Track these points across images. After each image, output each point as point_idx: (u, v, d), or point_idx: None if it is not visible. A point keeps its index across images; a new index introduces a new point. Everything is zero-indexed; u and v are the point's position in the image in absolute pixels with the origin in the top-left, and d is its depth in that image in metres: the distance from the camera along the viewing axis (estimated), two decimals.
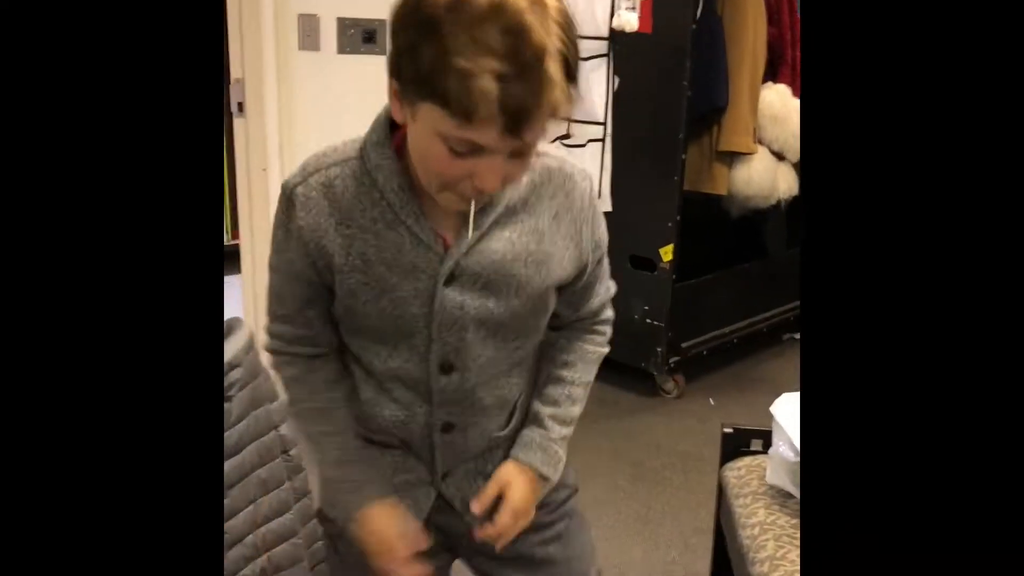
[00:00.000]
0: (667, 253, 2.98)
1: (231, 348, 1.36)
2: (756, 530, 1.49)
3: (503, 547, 1.05)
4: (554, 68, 0.76)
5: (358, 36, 2.80)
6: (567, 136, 2.81)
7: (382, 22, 2.75)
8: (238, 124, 2.81)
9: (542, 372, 1.10)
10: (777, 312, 3.57)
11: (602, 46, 2.73)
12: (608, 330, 1.13)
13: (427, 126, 0.81)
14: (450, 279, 0.94)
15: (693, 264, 3.13)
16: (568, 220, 0.98)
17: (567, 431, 1.08)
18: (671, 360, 3.13)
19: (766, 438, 1.75)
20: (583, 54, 2.99)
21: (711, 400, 3.16)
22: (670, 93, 2.88)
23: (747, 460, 1.73)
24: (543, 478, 1.06)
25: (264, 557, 1.44)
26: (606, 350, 1.13)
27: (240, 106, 2.77)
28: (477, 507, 1.03)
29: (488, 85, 0.74)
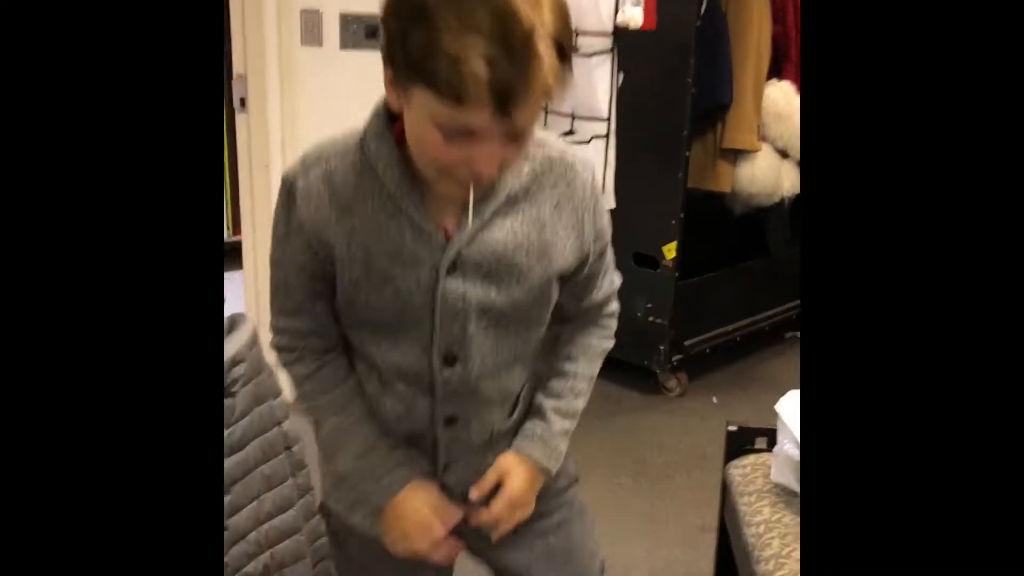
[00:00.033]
0: (670, 251, 2.97)
1: (234, 344, 1.35)
2: (761, 528, 1.49)
3: (499, 536, 1.05)
4: (544, 48, 0.76)
5: (361, 32, 2.79)
6: (571, 132, 2.81)
7: None
8: (240, 120, 2.81)
9: (546, 365, 1.09)
10: (780, 310, 3.56)
11: (606, 42, 2.73)
12: (613, 323, 1.13)
13: (421, 112, 0.81)
14: (452, 269, 0.93)
15: (696, 262, 3.12)
16: (569, 209, 0.97)
17: (569, 424, 1.08)
18: (674, 358, 3.12)
19: (770, 436, 1.75)
20: (587, 50, 3.01)
21: (714, 398, 3.15)
22: (674, 90, 2.87)
23: (752, 458, 1.72)
24: (543, 470, 1.06)
25: (267, 554, 1.44)
26: (611, 343, 1.13)
27: (242, 102, 2.76)
28: (475, 493, 1.03)
29: (478, 67, 0.74)
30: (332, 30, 2.78)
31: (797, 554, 1.40)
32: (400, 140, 0.91)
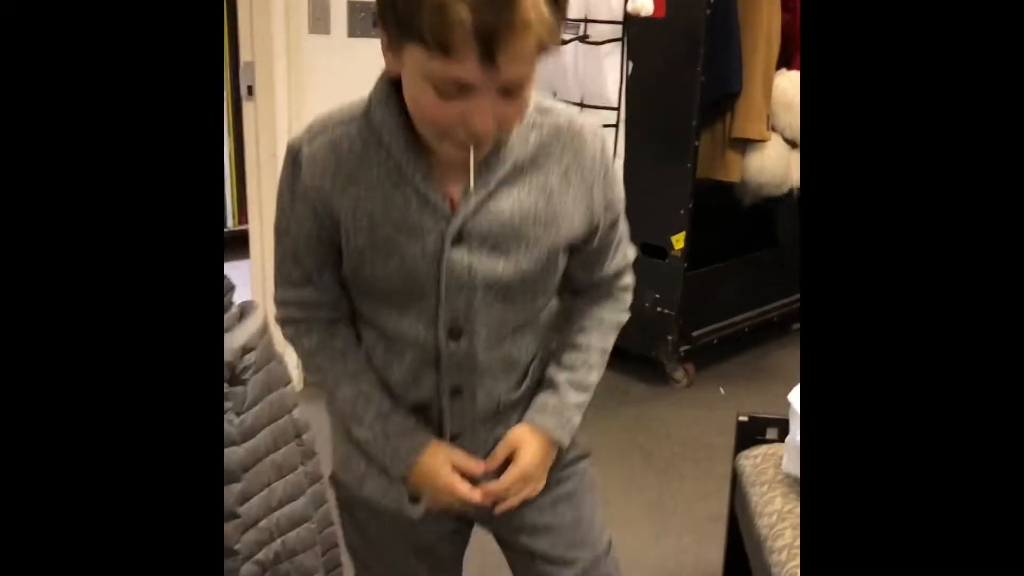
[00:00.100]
0: (679, 241, 2.96)
1: (246, 331, 1.35)
2: (774, 518, 1.48)
3: (504, 509, 1.04)
4: None
5: (369, 20, 2.78)
6: None
7: None
8: (247, 108, 2.79)
9: (559, 338, 1.08)
10: (788, 301, 3.55)
11: (616, 30, 2.71)
12: (627, 297, 1.12)
13: (413, 70, 0.81)
14: (458, 240, 0.92)
15: (704, 252, 3.11)
16: (578, 178, 0.96)
17: (583, 398, 1.07)
18: (681, 349, 3.11)
19: (782, 427, 1.74)
20: (597, 38, 3.00)
21: (721, 389, 3.14)
22: (683, 79, 2.85)
23: (763, 448, 1.72)
24: (555, 443, 1.05)
25: (278, 541, 1.43)
26: (625, 316, 1.12)
27: (250, 89, 2.75)
28: (487, 466, 1.03)
29: (461, 13, 0.74)
30: (340, 18, 2.76)
31: None
32: (406, 108, 0.90)
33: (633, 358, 3.06)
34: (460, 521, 1.13)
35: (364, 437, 1.04)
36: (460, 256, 0.93)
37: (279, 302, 1.04)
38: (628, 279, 1.11)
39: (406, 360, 1.00)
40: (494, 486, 1.02)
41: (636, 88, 2.78)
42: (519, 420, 1.05)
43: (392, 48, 0.83)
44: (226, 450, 1.31)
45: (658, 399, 3.06)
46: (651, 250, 3.01)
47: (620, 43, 2.72)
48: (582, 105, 2.80)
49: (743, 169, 3.16)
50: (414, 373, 1.01)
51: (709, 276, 3.20)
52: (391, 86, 0.91)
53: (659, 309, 3.06)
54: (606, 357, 1.10)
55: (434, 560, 1.15)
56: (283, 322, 1.05)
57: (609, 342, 1.10)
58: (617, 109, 2.73)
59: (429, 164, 0.91)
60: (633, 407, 2.97)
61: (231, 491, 1.33)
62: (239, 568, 1.35)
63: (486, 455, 1.05)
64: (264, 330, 1.42)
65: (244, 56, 2.75)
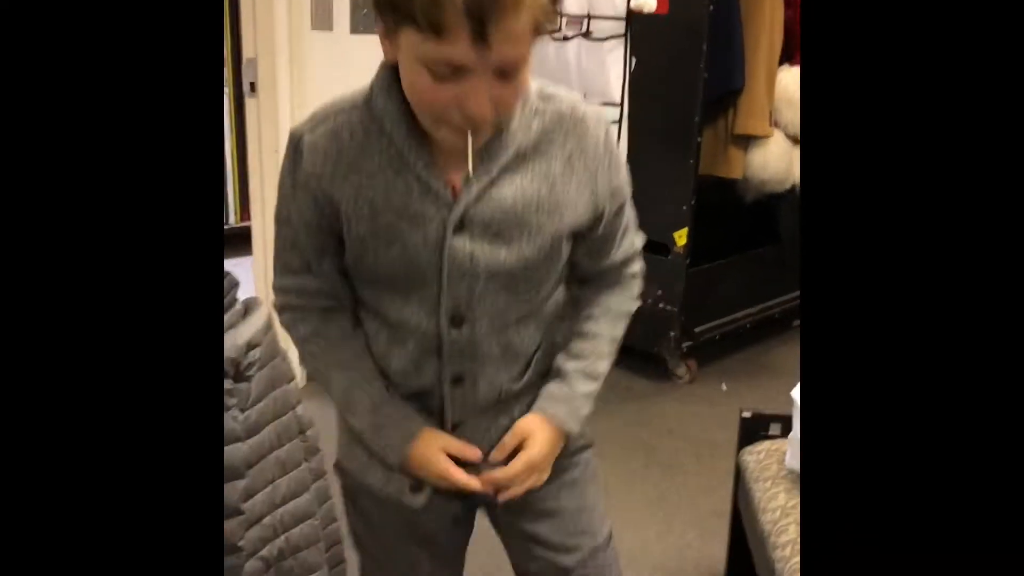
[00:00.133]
0: (681, 237, 2.96)
1: (250, 328, 1.35)
2: (777, 514, 1.48)
3: (507, 498, 1.04)
4: None
5: (371, 16, 2.78)
6: None
7: None
8: (250, 104, 2.79)
9: (568, 328, 1.08)
10: (790, 298, 3.55)
11: (619, 27, 2.71)
12: (636, 285, 1.11)
13: (408, 54, 0.81)
14: (460, 227, 0.92)
15: (707, 249, 3.11)
16: (582, 165, 0.95)
17: (592, 387, 1.06)
18: (684, 345, 3.11)
19: (785, 422, 1.74)
20: (600, 35, 2.99)
21: (723, 385, 3.14)
22: (686, 75, 2.85)
23: (766, 444, 1.72)
24: (565, 433, 1.05)
25: (282, 538, 1.44)
26: (634, 305, 1.11)
27: (252, 86, 2.75)
28: (495, 455, 1.02)
29: None
30: (342, 14, 2.76)
31: None
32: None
33: (635, 354, 3.06)
34: (461, 510, 1.13)
35: (358, 427, 1.04)
36: (462, 244, 0.93)
37: (277, 289, 1.05)
38: (636, 267, 1.11)
39: (408, 348, 1.00)
40: (500, 474, 1.02)
41: (639, 84, 2.78)
42: (522, 411, 1.05)
43: (388, 35, 0.83)
44: (230, 446, 1.31)
45: (660, 395, 3.06)
46: (653, 246, 3.01)
47: (623, 39, 2.72)
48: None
49: (745, 165, 3.16)
50: (416, 361, 1.00)
51: (711, 272, 3.20)
52: (392, 74, 0.90)
53: (661, 305, 3.06)
54: (616, 346, 1.09)
55: (436, 549, 1.15)
56: (280, 309, 1.06)
57: (618, 330, 1.09)
58: (620, 105, 2.73)
59: (431, 152, 0.91)
60: (635, 403, 2.97)
61: (235, 487, 1.33)
62: (243, 564, 1.35)
63: (488, 447, 1.05)
64: (268, 327, 1.42)
65: (247, 52, 2.75)
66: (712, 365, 3.27)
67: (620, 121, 2.72)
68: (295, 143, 0.95)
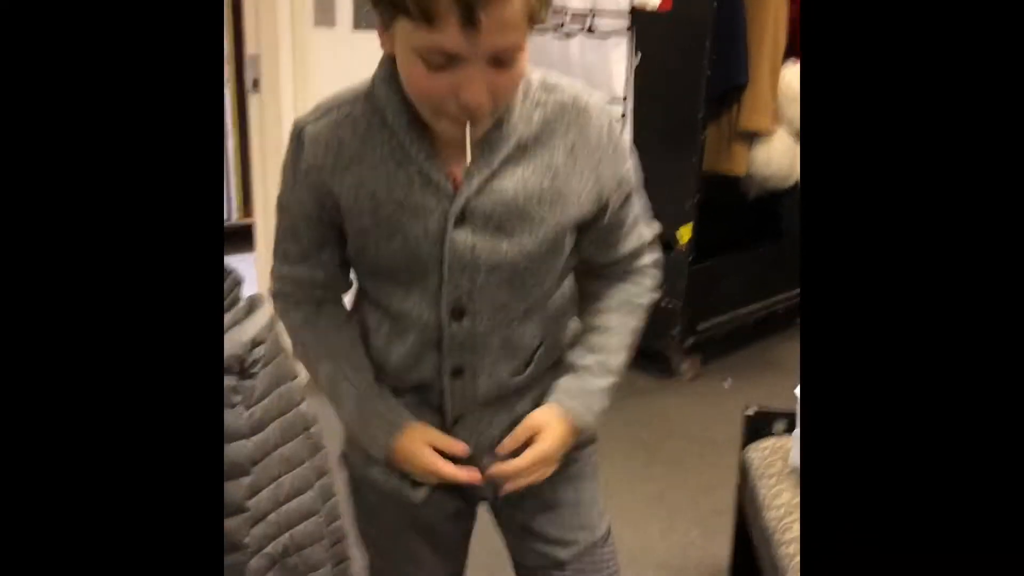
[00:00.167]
0: (685, 234, 2.96)
1: (255, 325, 1.35)
2: (782, 511, 1.48)
3: (511, 489, 1.02)
4: None
5: (373, 12, 2.77)
6: None
7: None
8: (253, 100, 2.79)
9: (583, 323, 1.07)
10: (793, 295, 3.54)
11: (623, 23, 2.70)
12: (650, 276, 1.10)
13: (403, 45, 0.81)
14: (461, 220, 0.92)
15: (710, 245, 3.11)
16: (585, 155, 0.94)
17: (608, 381, 1.05)
18: (687, 341, 3.11)
19: (789, 420, 1.74)
20: (604, 31, 3.00)
21: (726, 382, 3.14)
22: (690, 71, 2.84)
23: (770, 441, 1.71)
24: (579, 427, 1.03)
25: (287, 535, 1.44)
26: (650, 297, 1.09)
27: (255, 82, 2.75)
28: (505, 447, 1.01)
29: None
30: (345, 10, 2.76)
31: None
32: None
33: (638, 351, 3.05)
34: (462, 504, 1.13)
35: (343, 418, 1.05)
36: (463, 236, 0.92)
37: (274, 276, 1.05)
38: (649, 258, 1.09)
39: (408, 340, 1.00)
40: (510, 466, 1.01)
41: (642, 81, 2.78)
42: (524, 407, 1.05)
43: (385, 27, 0.84)
44: (235, 444, 1.31)
45: (663, 392, 3.06)
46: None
47: (627, 35, 2.71)
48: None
49: (749, 162, 3.15)
50: (416, 353, 1.00)
51: (715, 269, 3.19)
52: (394, 66, 0.90)
53: (664, 302, 3.05)
54: (632, 339, 1.07)
55: (437, 541, 1.15)
56: (275, 296, 1.06)
57: (633, 323, 1.08)
58: (623, 102, 2.72)
59: (432, 144, 0.91)
60: (638, 400, 2.97)
61: (240, 484, 1.33)
62: (248, 561, 1.35)
63: (489, 441, 1.04)
64: (272, 324, 1.42)
65: (249, 49, 2.75)
66: (715, 362, 3.27)
67: (624, 117, 2.72)
68: (297, 134, 0.95)
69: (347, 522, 1.31)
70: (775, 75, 3.06)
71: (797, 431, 1.57)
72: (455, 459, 1.02)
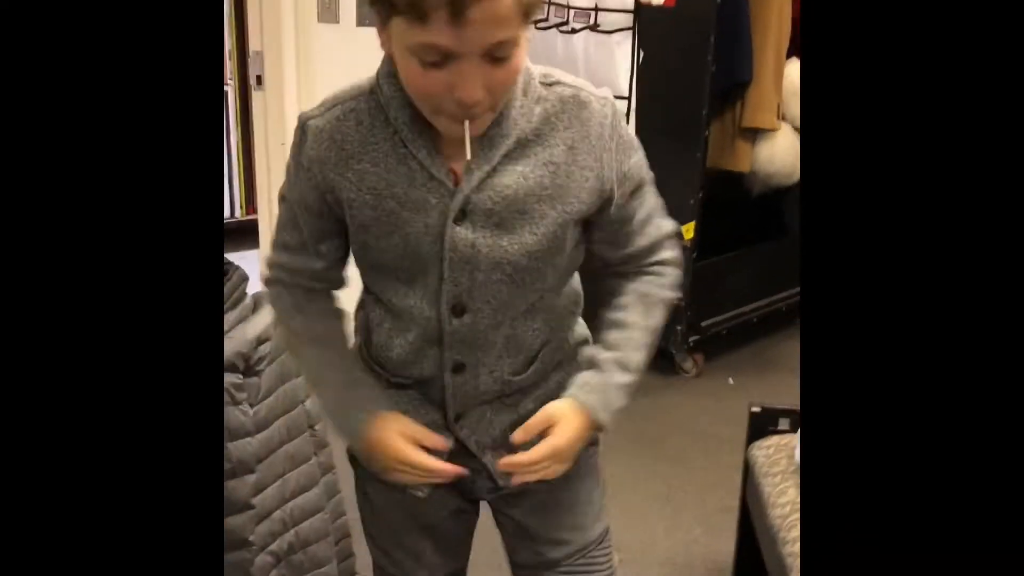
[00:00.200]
0: (688, 231, 2.95)
1: (260, 322, 1.35)
2: (787, 509, 1.48)
3: (520, 482, 0.99)
4: None
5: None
6: None
7: None
8: (256, 97, 2.79)
9: (601, 320, 1.05)
10: (796, 292, 3.53)
11: (627, 19, 2.70)
12: (668, 272, 1.07)
13: (399, 44, 0.82)
14: (461, 216, 0.92)
15: (714, 242, 3.10)
16: (585, 150, 0.94)
17: (627, 378, 1.02)
18: (691, 339, 3.10)
19: (794, 417, 1.74)
20: (608, 27, 2.98)
21: (730, 379, 3.14)
22: (694, 68, 2.83)
23: (775, 439, 1.71)
24: (595, 424, 1.01)
25: (292, 532, 1.44)
26: (669, 293, 1.06)
27: (259, 79, 2.75)
28: (520, 436, 0.98)
29: None
30: (349, 7, 2.75)
31: None
32: None
33: None
34: (462, 501, 1.13)
35: (324, 406, 1.05)
36: (463, 232, 0.92)
37: (270, 263, 1.05)
38: (666, 253, 1.06)
39: (410, 336, 1.00)
40: (522, 459, 0.97)
41: (646, 77, 2.77)
42: (527, 406, 1.04)
43: (383, 27, 0.84)
44: (240, 441, 1.31)
45: (667, 389, 3.06)
46: None
47: (631, 32, 2.71)
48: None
49: (753, 159, 3.15)
50: (417, 348, 1.00)
51: (718, 266, 3.19)
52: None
53: None
54: (653, 336, 1.05)
55: (439, 537, 1.15)
56: (268, 282, 1.06)
57: (652, 319, 1.05)
58: (627, 98, 2.72)
59: (434, 140, 0.91)
60: (642, 397, 2.94)
61: (245, 482, 1.33)
62: (254, 559, 1.35)
63: (491, 440, 1.04)
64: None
65: (253, 45, 2.74)
66: (719, 359, 3.26)
67: (628, 114, 2.71)
68: (302, 126, 0.96)
69: (352, 518, 1.31)
70: (779, 72, 3.05)
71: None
72: (452, 456, 1.01)
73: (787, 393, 1.57)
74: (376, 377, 1.05)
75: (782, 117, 3.14)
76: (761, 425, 1.75)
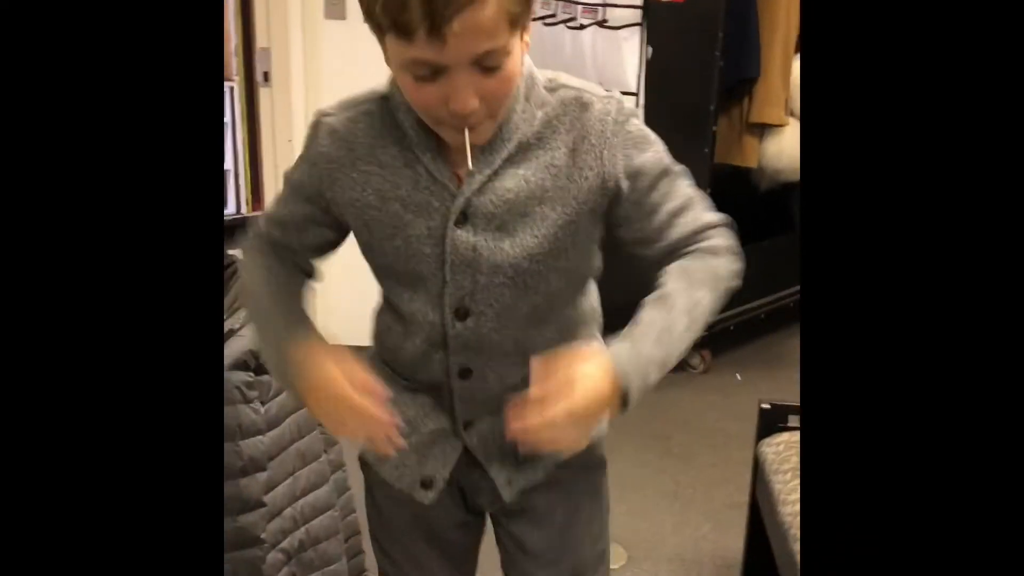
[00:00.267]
0: None
1: None
2: (797, 506, 1.48)
3: (531, 442, 0.87)
4: None
5: None
6: None
7: None
8: (263, 93, 2.79)
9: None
10: None
11: (635, 15, 2.69)
12: (721, 255, 0.97)
13: (394, 60, 0.83)
14: (462, 219, 0.92)
15: None
16: (586, 149, 0.92)
17: (662, 354, 0.89)
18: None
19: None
20: (616, 23, 2.97)
21: (737, 375, 3.14)
22: (702, 63, 2.83)
23: (785, 436, 1.71)
24: (620, 389, 0.87)
25: (302, 529, 1.44)
26: (720, 271, 0.96)
27: (266, 75, 2.75)
28: (537, 390, 0.85)
29: None
30: (356, 3, 2.74)
31: None
32: None
33: None
34: (467, 514, 1.13)
35: (268, 360, 1.03)
36: (464, 235, 0.93)
37: (257, 228, 1.05)
38: (715, 240, 0.98)
39: (417, 340, 1.00)
40: (536, 419, 0.84)
41: (654, 73, 2.76)
42: None
43: (381, 44, 0.85)
44: (251, 439, 1.31)
45: (674, 385, 3.05)
46: None
47: (639, 28, 2.70)
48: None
49: (760, 154, 3.14)
50: (424, 352, 1.00)
51: None
52: None
53: None
54: (700, 313, 0.92)
55: (445, 548, 1.15)
56: (246, 247, 1.05)
57: (700, 295, 0.93)
58: (635, 94, 2.72)
59: (440, 145, 0.92)
60: (649, 394, 2.96)
61: (256, 480, 1.33)
62: (265, 556, 1.36)
63: (500, 448, 1.03)
64: None
65: (260, 42, 2.74)
66: (726, 355, 3.26)
67: (636, 108, 2.71)
68: (316, 122, 0.98)
69: (361, 516, 1.31)
70: (787, 67, 3.04)
71: None
72: (459, 465, 1.01)
73: (794, 389, 1.55)
74: (391, 380, 1.04)
75: (790, 113, 3.13)
76: (771, 421, 1.75)
